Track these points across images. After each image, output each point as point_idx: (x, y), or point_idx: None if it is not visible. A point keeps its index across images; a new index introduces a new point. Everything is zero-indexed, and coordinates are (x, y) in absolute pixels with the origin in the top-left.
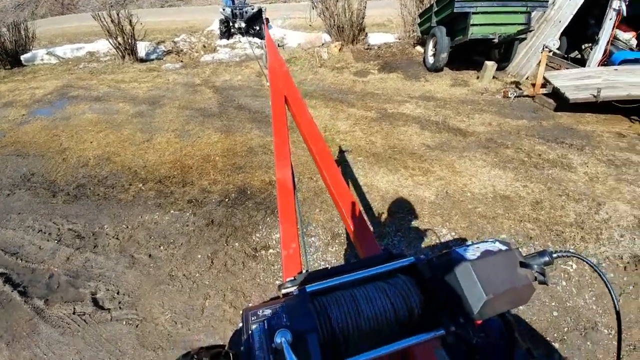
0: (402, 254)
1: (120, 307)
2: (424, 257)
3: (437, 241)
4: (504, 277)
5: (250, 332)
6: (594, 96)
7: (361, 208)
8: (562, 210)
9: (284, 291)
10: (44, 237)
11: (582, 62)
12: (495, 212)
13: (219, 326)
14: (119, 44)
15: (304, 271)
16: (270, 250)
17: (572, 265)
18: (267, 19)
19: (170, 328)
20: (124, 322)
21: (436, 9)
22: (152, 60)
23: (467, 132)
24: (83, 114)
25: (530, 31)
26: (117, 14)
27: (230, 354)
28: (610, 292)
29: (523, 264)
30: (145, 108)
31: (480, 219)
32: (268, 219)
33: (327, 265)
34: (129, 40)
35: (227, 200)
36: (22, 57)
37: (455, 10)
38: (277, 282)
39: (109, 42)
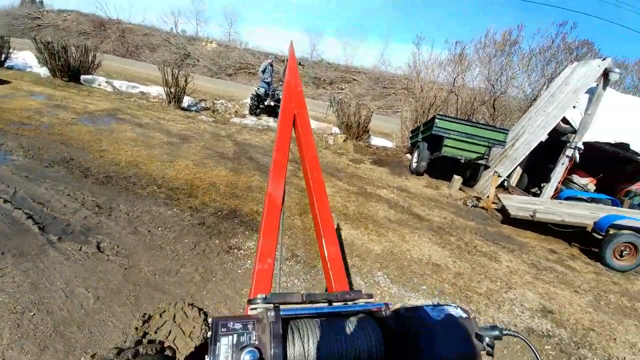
0: (371, 295)
1: (117, 255)
2: (391, 304)
3: (372, 279)
4: (459, 343)
5: (217, 343)
6: (531, 215)
7: (338, 244)
8: (477, 284)
9: (252, 306)
10: (70, 199)
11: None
12: (424, 272)
13: (186, 285)
14: (170, 92)
15: (275, 290)
16: (241, 251)
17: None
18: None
19: (150, 276)
20: (117, 264)
21: (422, 129)
22: (192, 110)
23: (424, 218)
24: (125, 131)
25: (486, 158)
26: (177, 71)
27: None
28: None
29: (477, 335)
30: (175, 140)
31: (411, 273)
32: (247, 232)
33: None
34: (179, 92)
35: (219, 213)
36: (82, 77)
37: (433, 133)
38: (241, 270)
39: (163, 89)
